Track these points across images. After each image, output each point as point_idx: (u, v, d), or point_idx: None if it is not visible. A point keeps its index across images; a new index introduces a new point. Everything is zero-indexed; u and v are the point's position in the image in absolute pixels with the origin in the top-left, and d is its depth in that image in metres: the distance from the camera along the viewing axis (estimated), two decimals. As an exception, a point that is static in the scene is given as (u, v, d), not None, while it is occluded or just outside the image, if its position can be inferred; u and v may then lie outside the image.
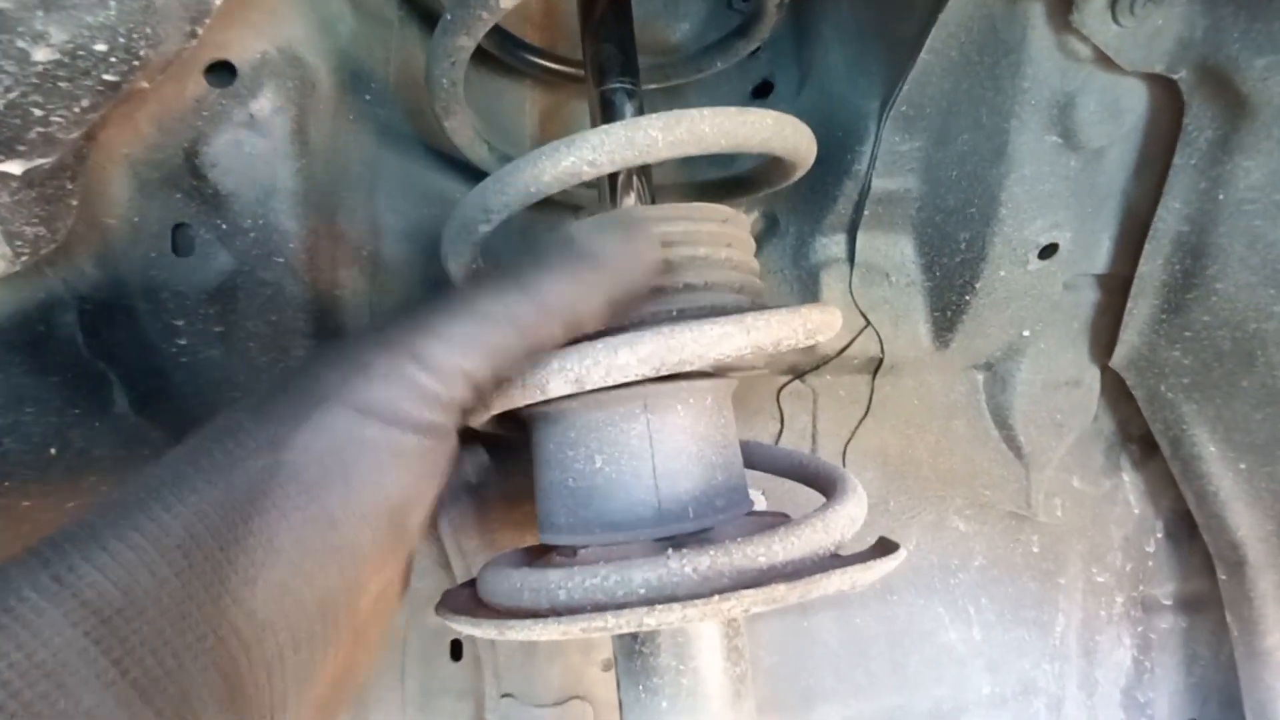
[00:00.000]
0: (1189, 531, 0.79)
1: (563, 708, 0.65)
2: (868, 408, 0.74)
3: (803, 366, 0.73)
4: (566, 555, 0.39)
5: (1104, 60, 0.50)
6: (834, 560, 0.36)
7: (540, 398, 0.36)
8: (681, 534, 0.38)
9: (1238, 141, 0.53)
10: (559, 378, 0.35)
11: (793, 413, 0.73)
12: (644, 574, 0.32)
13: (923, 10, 0.54)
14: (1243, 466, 0.68)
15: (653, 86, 0.66)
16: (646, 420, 0.41)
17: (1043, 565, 0.79)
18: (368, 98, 0.58)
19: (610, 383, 0.35)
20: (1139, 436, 0.80)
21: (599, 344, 0.35)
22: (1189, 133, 0.54)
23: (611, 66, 0.50)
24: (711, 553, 0.33)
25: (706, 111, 0.37)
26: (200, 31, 0.33)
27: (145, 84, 0.35)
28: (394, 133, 0.60)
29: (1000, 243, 0.63)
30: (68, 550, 0.22)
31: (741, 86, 0.72)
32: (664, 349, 0.35)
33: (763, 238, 0.73)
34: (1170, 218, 0.59)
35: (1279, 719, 0.73)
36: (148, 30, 0.31)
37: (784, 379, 0.74)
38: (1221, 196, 0.56)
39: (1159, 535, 0.82)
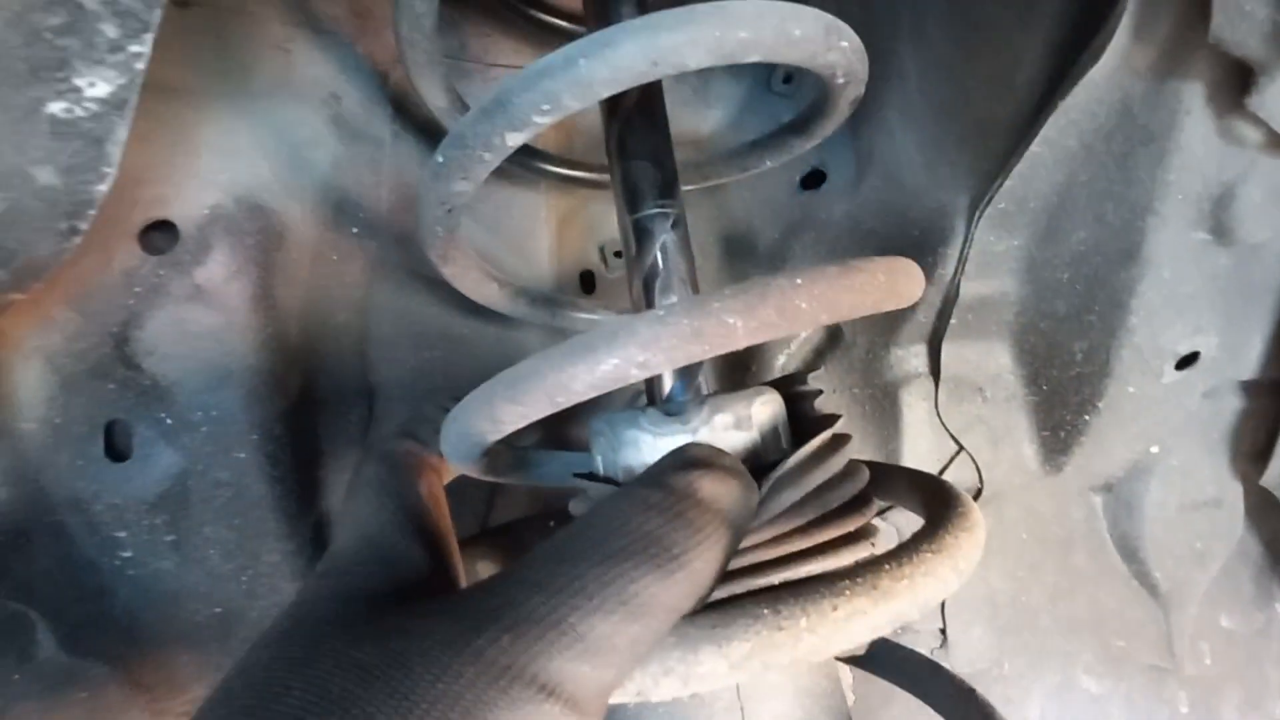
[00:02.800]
0: (1369, 672, 0.65)
1: None
2: (965, 546, 0.61)
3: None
4: None
5: (1275, 144, 0.39)
6: None
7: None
8: None
9: None
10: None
11: (875, 557, 0.61)
12: None
13: (1024, 92, 0.43)
14: None
15: (689, 188, 0.56)
16: (739, 711, 0.29)
17: (1195, 727, 0.64)
18: (355, 231, 0.49)
19: (687, 694, 0.24)
20: (1293, 556, 0.66)
21: (670, 642, 0.24)
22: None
23: (646, 188, 0.40)
24: None
25: (801, 277, 0.26)
26: (83, 227, 0.23)
27: (19, 295, 0.25)
28: (388, 265, 0.50)
29: (1129, 354, 0.51)
30: None
31: (787, 176, 0.62)
32: (766, 647, 0.23)
33: (825, 351, 0.62)
34: (1351, 319, 0.47)
35: None
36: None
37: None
38: None
39: (1329, 675, 0.67)
